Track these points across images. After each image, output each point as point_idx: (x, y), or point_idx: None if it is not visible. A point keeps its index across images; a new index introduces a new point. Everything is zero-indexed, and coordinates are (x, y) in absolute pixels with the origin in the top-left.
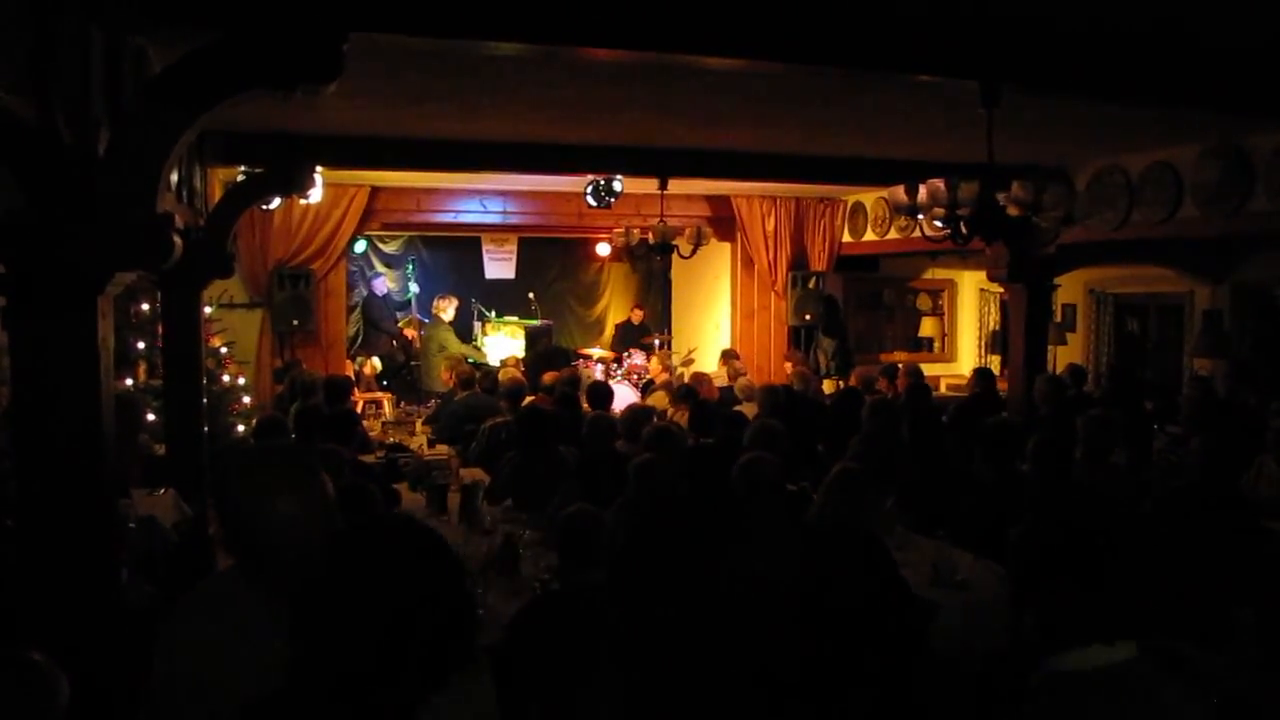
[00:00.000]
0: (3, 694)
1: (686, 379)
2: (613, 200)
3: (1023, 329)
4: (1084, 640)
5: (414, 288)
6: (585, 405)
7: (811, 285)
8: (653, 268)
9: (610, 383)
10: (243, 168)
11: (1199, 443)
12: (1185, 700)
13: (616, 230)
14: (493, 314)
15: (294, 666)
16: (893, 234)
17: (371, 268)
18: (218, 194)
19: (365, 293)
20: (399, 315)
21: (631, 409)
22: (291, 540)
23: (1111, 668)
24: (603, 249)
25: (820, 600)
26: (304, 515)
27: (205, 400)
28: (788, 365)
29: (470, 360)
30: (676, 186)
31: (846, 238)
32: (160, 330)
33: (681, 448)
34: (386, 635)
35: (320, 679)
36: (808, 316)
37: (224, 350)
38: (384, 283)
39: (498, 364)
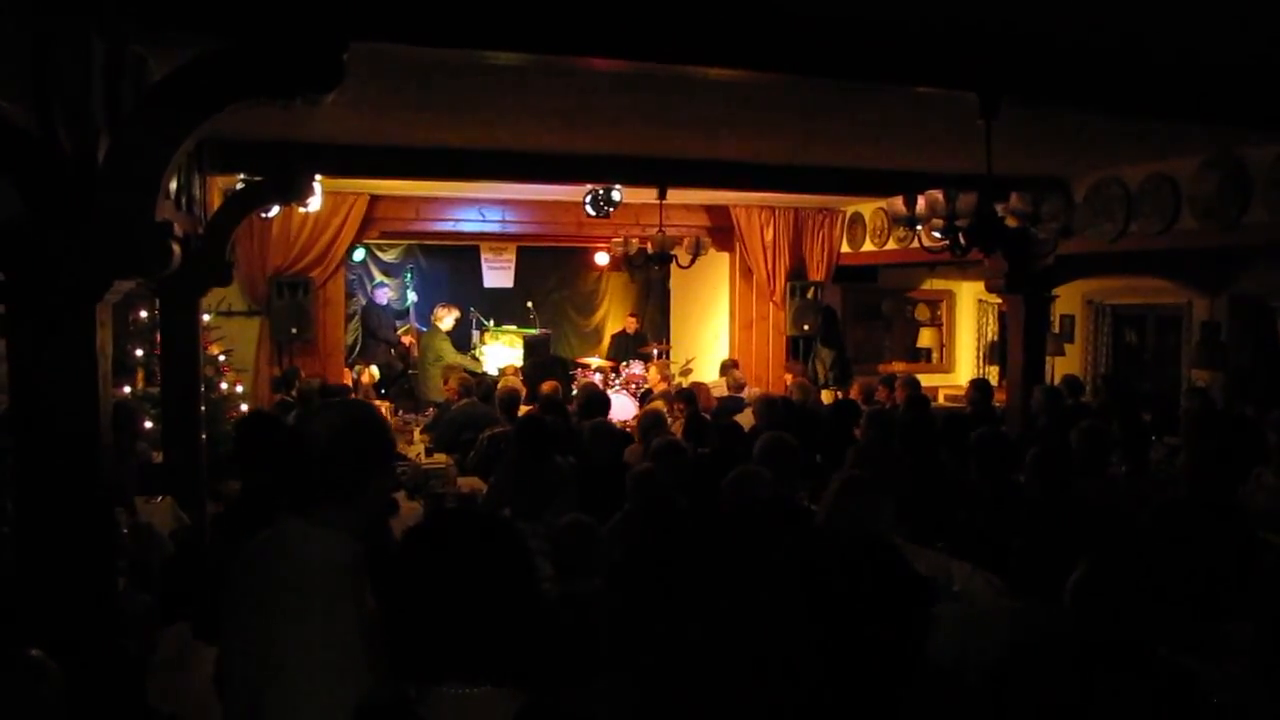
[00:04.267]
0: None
1: (674, 396)
2: (611, 210)
3: (1021, 340)
4: None
5: (412, 296)
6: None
7: (810, 295)
8: (651, 277)
9: (609, 392)
10: (242, 176)
11: (1187, 455)
12: None
13: (615, 240)
14: (491, 323)
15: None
16: (891, 244)
17: (370, 276)
18: (217, 202)
19: (364, 301)
20: (397, 324)
21: (646, 415)
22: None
23: None
24: (601, 258)
25: (832, 606)
26: None
27: (203, 408)
28: (788, 376)
29: (466, 369)
30: (675, 196)
31: (845, 248)
32: (159, 338)
33: (686, 462)
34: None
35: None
36: (806, 327)
37: (222, 358)
38: (386, 292)
39: (495, 373)
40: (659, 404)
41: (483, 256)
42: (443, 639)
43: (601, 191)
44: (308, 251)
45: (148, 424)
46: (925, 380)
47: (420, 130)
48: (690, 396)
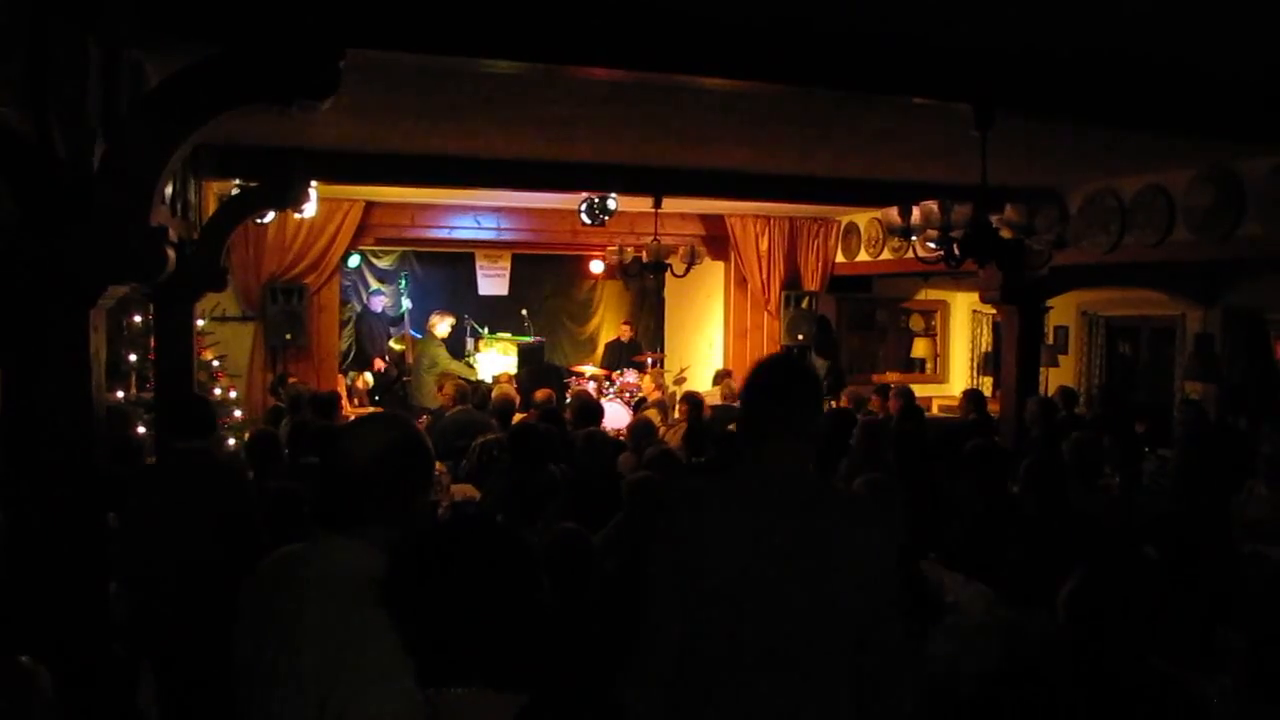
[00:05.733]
0: None
1: (679, 398)
2: (607, 218)
3: (1015, 351)
4: None
5: (407, 303)
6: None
7: (804, 305)
8: (646, 286)
9: (603, 400)
10: (237, 181)
11: (1175, 466)
12: None
13: (610, 248)
14: (485, 330)
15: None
16: (886, 255)
17: (365, 283)
18: (212, 207)
19: (359, 308)
20: (392, 331)
21: (637, 422)
22: None
23: None
24: (596, 266)
25: None
26: None
27: None
28: None
29: (460, 376)
30: (671, 205)
31: (840, 258)
32: (152, 343)
33: (681, 470)
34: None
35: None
36: (800, 336)
37: (216, 363)
38: (381, 300)
39: (489, 380)
40: (651, 413)
41: (478, 264)
42: (449, 642)
43: (597, 200)
44: (302, 257)
45: (141, 429)
46: (919, 390)
47: (416, 137)
48: (697, 400)
